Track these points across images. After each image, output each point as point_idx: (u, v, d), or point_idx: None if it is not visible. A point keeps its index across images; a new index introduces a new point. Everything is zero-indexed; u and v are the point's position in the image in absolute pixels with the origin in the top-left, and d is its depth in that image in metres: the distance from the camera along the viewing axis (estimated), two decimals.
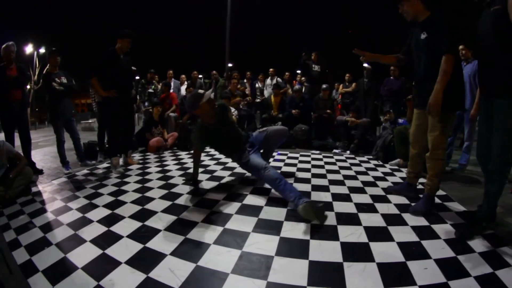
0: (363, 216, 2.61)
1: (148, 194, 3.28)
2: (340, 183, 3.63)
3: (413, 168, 3.12)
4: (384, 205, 2.89)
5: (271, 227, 2.41)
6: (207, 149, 5.74)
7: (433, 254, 1.98)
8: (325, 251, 2.04)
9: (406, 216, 2.62)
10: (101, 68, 4.31)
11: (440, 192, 3.20)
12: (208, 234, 2.30)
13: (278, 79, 8.52)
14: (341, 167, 4.47)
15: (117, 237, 2.29)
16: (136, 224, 2.51)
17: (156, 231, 2.37)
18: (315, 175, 3.95)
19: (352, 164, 4.71)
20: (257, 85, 8.85)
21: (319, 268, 1.85)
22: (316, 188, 3.40)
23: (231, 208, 2.81)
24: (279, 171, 4.01)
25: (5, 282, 1.41)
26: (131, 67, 4.67)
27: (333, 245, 2.12)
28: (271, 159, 4.87)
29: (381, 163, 4.88)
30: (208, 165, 4.55)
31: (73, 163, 4.88)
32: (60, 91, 4.64)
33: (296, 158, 5.14)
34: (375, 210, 2.76)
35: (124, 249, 2.11)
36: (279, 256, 1.97)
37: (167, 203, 2.98)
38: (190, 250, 2.08)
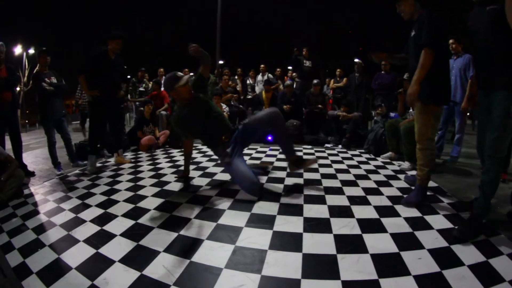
0: (355, 209, 2.62)
1: (140, 192, 3.25)
2: (332, 176, 3.64)
3: None
4: (377, 197, 2.91)
5: (264, 221, 2.40)
6: (199, 146, 5.74)
7: (426, 244, 2.00)
8: (318, 243, 2.05)
9: (399, 208, 2.63)
10: (90, 67, 4.29)
11: (432, 184, 3.26)
12: (201, 230, 2.29)
13: (269, 75, 8.50)
14: (333, 161, 4.49)
15: (110, 236, 2.27)
16: (129, 223, 2.49)
17: (149, 229, 2.35)
18: (307, 169, 3.93)
19: (344, 158, 4.72)
20: (248, 82, 8.82)
21: (313, 260, 1.85)
22: (308, 182, 3.41)
23: (224, 203, 2.80)
24: (271, 166, 4.03)
25: None
26: (122, 68, 4.63)
27: (327, 237, 2.13)
28: (263, 155, 4.89)
29: (373, 156, 4.91)
30: (200, 162, 4.53)
31: (65, 164, 4.80)
32: (50, 92, 4.56)
33: None
34: (367, 203, 2.77)
35: (117, 248, 2.09)
36: (273, 250, 1.97)
37: (160, 201, 2.96)
38: (184, 246, 2.07)
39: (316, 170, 3.91)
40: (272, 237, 2.15)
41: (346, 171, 3.89)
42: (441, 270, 1.71)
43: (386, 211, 2.57)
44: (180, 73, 3.25)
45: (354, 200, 2.83)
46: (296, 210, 2.60)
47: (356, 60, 7.36)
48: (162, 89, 7.58)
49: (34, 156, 6.26)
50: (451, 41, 4.59)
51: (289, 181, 3.46)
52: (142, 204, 2.91)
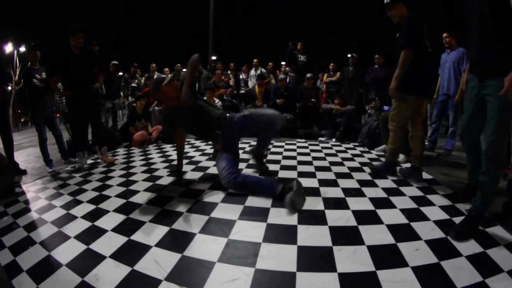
0: (350, 201, 2.59)
1: (132, 187, 3.19)
2: (326, 169, 3.60)
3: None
4: (372, 189, 2.88)
5: (258, 214, 2.36)
6: (191, 140, 5.69)
7: (423, 235, 1.98)
8: (313, 236, 2.01)
9: (395, 200, 2.62)
10: (56, 68, 4.24)
11: (427, 176, 3.31)
12: (194, 223, 2.25)
13: (262, 69, 8.45)
14: (327, 154, 4.46)
15: (101, 232, 2.22)
16: (121, 218, 2.44)
17: (140, 223, 2.30)
18: (301, 162, 3.93)
19: (338, 151, 4.70)
20: (241, 76, 8.76)
21: (308, 253, 1.82)
22: (302, 174, 3.37)
23: (217, 197, 2.75)
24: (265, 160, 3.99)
25: None
26: (93, 59, 4.43)
27: (322, 229, 2.10)
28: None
29: (367, 149, 4.89)
30: (193, 156, 4.48)
31: (56, 161, 4.72)
32: (41, 88, 4.47)
33: (282, 146, 5.09)
34: (362, 194, 2.75)
35: (108, 243, 2.05)
36: (267, 243, 1.93)
37: (152, 195, 2.91)
38: (176, 240, 2.03)
39: (310, 163, 3.89)
40: (266, 229, 2.11)
41: (340, 164, 3.86)
42: (439, 261, 1.69)
43: (382, 203, 2.54)
44: (164, 75, 3.20)
45: (349, 192, 2.80)
46: None
47: (350, 55, 7.37)
48: None
49: (26, 155, 6.16)
50: (444, 35, 4.64)
51: (283, 174, 3.43)
52: (134, 199, 2.85)
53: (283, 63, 10.32)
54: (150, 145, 5.88)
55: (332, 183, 3.07)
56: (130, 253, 1.90)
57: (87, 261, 1.84)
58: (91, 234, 2.20)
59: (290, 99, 6.82)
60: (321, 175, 3.35)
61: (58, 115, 5.02)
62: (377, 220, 2.22)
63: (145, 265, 1.75)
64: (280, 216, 2.31)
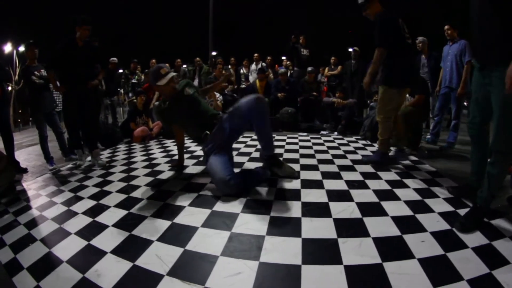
0: (354, 193, 2.57)
1: (133, 182, 3.17)
2: (329, 162, 3.57)
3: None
4: (375, 181, 2.86)
5: (261, 206, 2.33)
6: None
7: (428, 227, 1.96)
8: (318, 228, 1.99)
9: (398, 192, 2.59)
10: (58, 61, 4.03)
11: (431, 168, 3.30)
12: (196, 217, 2.21)
13: (263, 63, 8.41)
14: (329, 147, 4.43)
15: (102, 227, 2.20)
16: (122, 213, 2.41)
17: (142, 218, 2.27)
18: (303, 156, 3.90)
19: (340, 144, 4.66)
20: (241, 71, 8.72)
21: (313, 245, 1.79)
22: (305, 167, 3.34)
23: (218, 190, 2.70)
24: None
25: None
26: (94, 54, 4.29)
27: (326, 222, 2.07)
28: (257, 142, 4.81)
29: (369, 142, 4.85)
30: (194, 151, 4.44)
31: (57, 159, 4.68)
32: (40, 85, 4.43)
33: (284, 140, 5.06)
34: (366, 187, 2.72)
35: (109, 239, 2.02)
36: (270, 236, 1.90)
37: (153, 190, 2.88)
38: (178, 234, 1.99)
39: (312, 156, 3.86)
40: (270, 222, 2.08)
41: (343, 157, 3.83)
42: (445, 252, 1.67)
43: (386, 195, 2.52)
44: (164, 69, 3.08)
45: (352, 184, 2.77)
46: (293, 195, 2.53)
47: (351, 49, 7.33)
48: None
49: (27, 153, 6.12)
50: (446, 27, 4.61)
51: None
52: (135, 194, 2.82)
53: (283, 57, 10.26)
54: (151, 140, 5.85)
55: (335, 176, 3.04)
56: (132, 248, 1.87)
57: (88, 257, 1.82)
58: (92, 230, 2.17)
59: (291, 93, 6.79)
60: (324, 167, 3.32)
61: None
62: (382, 212, 2.19)
63: (146, 260, 1.72)
64: (284, 209, 2.29)
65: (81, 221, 2.34)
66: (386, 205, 2.32)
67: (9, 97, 7.88)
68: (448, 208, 2.26)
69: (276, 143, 4.62)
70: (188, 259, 1.72)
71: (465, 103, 6.64)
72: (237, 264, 1.64)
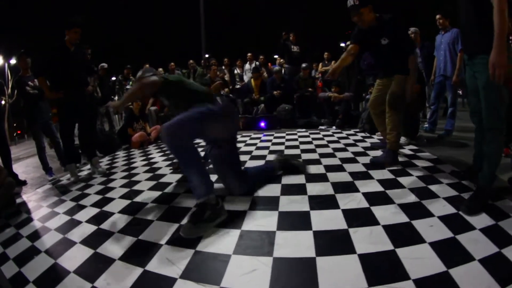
0: (359, 183, 2.58)
1: (136, 187, 3.14)
2: (330, 155, 3.58)
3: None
4: (379, 171, 2.87)
5: (268, 203, 2.33)
6: None
7: (435, 212, 1.99)
8: (327, 220, 1.99)
9: (402, 180, 2.61)
10: (48, 66, 3.77)
11: (431, 156, 3.32)
12: None
13: (257, 63, 8.42)
14: (329, 141, 4.43)
15: (108, 234, 2.16)
16: (127, 219, 2.38)
17: (148, 222, 2.24)
18: (304, 151, 3.90)
19: (339, 138, 4.67)
20: (235, 71, 8.72)
21: (324, 237, 1.79)
22: (307, 162, 3.32)
23: (223, 190, 2.68)
24: (267, 151, 3.95)
25: None
26: (85, 60, 4.21)
27: (335, 213, 2.08)
28: (258, 140, 4.82)
29: (368, 134, 4.86)
30: None
31: (56, 169, 4.64)
32: (35, 95, 4.37)
33: (283, 137, 5.07)
34: (370, 177, 2.74)
35: (116, 245, 1.99)
36: (281, 231, 1.90)
37: (157, 193, 2.86)
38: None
39: (313, 151, 3.86)
40: (279, 217, 2.07)
41: (343, 150, 3.84)
42: (454, 235, 1.70)
43: (390, 184, 2.54)
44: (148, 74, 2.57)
45: (356, 175, 2.79)
46: (299, 190, 2.54)
47: (344, 44, 7.32)
48: None
49: (25, 166, 6.06)
50: (437, 16, 4.64)
51: None
52: (139, 198, 2.80)
53: (275, 56, 10.28)
54: (150, 145, 5.83)
55: (339, 168, 3.04)
56: (140, 253, 1.84)
57: (96, 266, 1.78)
58: (98, 238, 2.13)
59: (286, 90, 6.80)
60: (326, 161, 3.33)
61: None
62: (388, 200, 2.22)
63: (157, 265, 1.70)
64: (291, 203, 2.29)
65: (85, 230, 2.31)
66: (392, 193, 2.34)
67: (4, 112, 7.78)
68: (453, 193, 2.29)
69: (276, 140, 4.69)
70: (200, 260, 1.70)
71: (459, 92, 6.69)
72: (251, 261, 1.63)
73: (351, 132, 5.18)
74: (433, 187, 2.40)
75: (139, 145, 5.70)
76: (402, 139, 4.05)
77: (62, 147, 4.66)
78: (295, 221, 2.01)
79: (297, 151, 3.92)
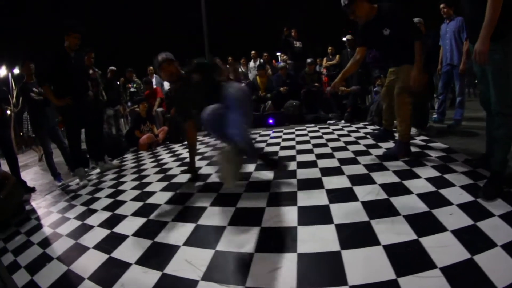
0: (375, 175, 2.56)
1: (147, 189, 3.11)
2: (343, 149, 3.54)
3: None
4: (393, 163, 2.83)
5: (286, 199, 2.29)
6: (200, 137, 5.61)
7: (453, 200, 1.98)
8: (348, 212, 1.97)
9: (417, 170, 2.58)
10: (51, 73, 3.75)
11: (443, 146, 3.29)
12: (220, 216, 2.16)
13: (261, 60, 8.40)
14: (340, 135, 4.38)
15: (122, 238, 2.11)
16: (141, 221, 2.34)
17: (163, 224, 2.20)
18: (316, 145, 3.86)
19: (349, 131, 4.62)
20: (240, 70, 8.68)
21: (347, 230, 1.76)
22: (320, 156, 3.31)
23: (238, 187, 2.65)
24: (278, 147, 3.91)
25: None
26: (84, 65, 4.23)
27: (354, 205, 2.05)
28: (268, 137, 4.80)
29: (377, 127, 4.80)
30: (205, 152, 4.40)
31: (64, 174, 4.64)
32: (40, 101, 4.36)
33: (293, 133, 5.02)
34: (385, 168, 2.70)
35: (131, 249, 1.94)
36: (303, 226, 1.87)
37: (169, 194, 2.82)
38: (205, 236, 1.94)
39: (325, 145, 3.82)
40: (299, 213, 2.04)
41: (355, 143, 3.79)
42: (475, 222, 1.70)
43: (406, 175, 2.51)
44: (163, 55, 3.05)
45: (371, 167, 2.75)
46: (315, 184, 2.51)
47: (347, 37, 7.28)
48: (155, 86, 7.46)
49: (33, 173, 6.09)
50: (442, 5, 4.60)
51: (300, 158, 3.36)
52: (152, 200, 2.76)
53: (278, 53, 10.24)
54: (158, 147, 5.80)
55: (352, 161, 3.01)
56: (158, 256, 1.80)
57: (111, 271, 1.73)
58: (112, 242, 2.09)
59: (292, 86, 6.76)
60: (339, 154, 3.29)
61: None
62: (406, 191, 2.20)
63: (176, 267, 1.65)
64: (309, 198, 2.26)
65: (98, 234, 2.27)
66: (409, 183, 2.32)
67: (9, 119, 7.82)
68: (468, 181, 2.27)
69: (285, 137, 4.66)
70: (221, 260, 1.66)
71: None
72: (275, 258, 1.59)
73: (361, 125, 5.12)
74: (448, 176, 2.38)
75: (147, 147, 5.68)
76: (413, 130, 4.00)
77: (69, 152, 4.68)
78: (315, 216, 1.98)
79: (309, 146, 3.88)
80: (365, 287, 1.33)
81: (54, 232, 2.53)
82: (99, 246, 2.07)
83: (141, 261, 1.77)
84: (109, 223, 2.44)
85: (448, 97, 5.38)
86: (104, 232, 2.28)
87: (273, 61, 9.47)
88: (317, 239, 1.72)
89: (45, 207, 3.31)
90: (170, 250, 1.83)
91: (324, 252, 1.58)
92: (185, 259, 1.71)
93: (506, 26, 1.87)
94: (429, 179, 2.35)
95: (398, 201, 2.03)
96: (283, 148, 3.93)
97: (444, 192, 2.11)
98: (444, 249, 1.50)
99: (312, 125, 5.70)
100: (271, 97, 6.79)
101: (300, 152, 3.57)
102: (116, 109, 7.07)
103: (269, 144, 4.30)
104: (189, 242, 1.89)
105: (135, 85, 7.67)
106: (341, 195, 2.23)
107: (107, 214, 2.63)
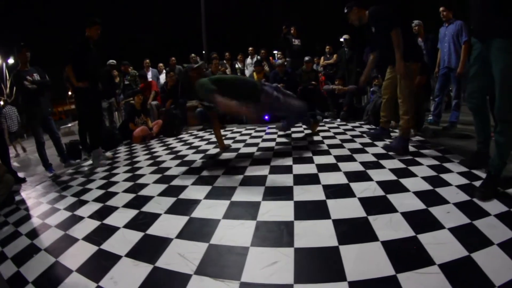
0: (371, 172, 2.55)
1: (140, 181, 3.05)
2: (339, 146, 3.53)
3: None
4: (389, 161, 2.84)
5: (282, 193, 2.27)
6: (194, 131, 5.56)
7: (450, 199, 1.99)
8: (345, 208, 1.95)
9: (413, 169, 2.59)
10: (75, 57, 4.06)
11: (439, 147, 3.29)
12: (215, 209, 2.12)
13: (258, 57, 8.34)
14: (336, 133, 4.37)
15: (112, 230, 2.05)
16: (132, 213, 2.28)
17: (155, 216, 2.15)
18: (312, 142, 3.85)
19: (346, 130, 4.62)
20: (236, 66, 8.63)
21: (345, 225, 1.75)
22: (316, 153, 3.29)
23: (233, 181, 2.64)
24: (273, 144, 3.89)
25: None
26: (99, 57, 4.39)
27: (351, 201, 2.04)
28: (263, 133, 4.80)
29: (373, 126, 4.80)
30: (199, 146, 4.36)
31: (56, 165, 4.54)
32: (33, 90, 4.26)
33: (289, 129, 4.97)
34: (381, 166, 2.71)
35: (122, 241, 1.88)
36: (299, 220, 1.84)
37: (163, 186, 2.77)
38: (198, 229, 1.89)
39: (321, 142, 3.81)
40: (295, 207, 2.02)
41: (351, 141, 3.79)
42: (471, 221, 1.71)
43: (402, 173, 2.52)
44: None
45: (367, 165, 2.75)
46: (312, 179, 2.49)
47: (344, 37, 7.26)
48: (150, 79, 7.40)
49: (24, 163, 6.01)
50: (441, 8, 4.62)
51: (296, 154, 3.33)
52: (144, 192, 2.71)
53: (275, 52, 10.18)
54: (152, 140, 5.74)
55: (349, 158, 3.00)
56: (149, 249, 1.75)
57: (101, 264, 1.68)
58: (102, 234, 2.03)
59: (290, 83, 6.71)
60: (335, 152, 3.28)
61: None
62: (403, 188, 2.20)
63: (168, 260, 1.60)
64: (306, 193, 2.24)
65: (88, 225, 2.20)
66: (405, 181, 2.32)
67: (1, 110, 7.69)
68: (464, 181, 2.29)
69: (281, 133, 4.65)
70: (215, 254, 1.62)
71: None
72: (271, 253, 1.56)
73: (356, 124, 5.12)
74: (444, 176, 2.40)
75: (141, 140, 5.62)
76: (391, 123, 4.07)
77: (62, 143, 4.65)
78: (312, 211, 1.96)
79: (304, 142, 3.87)
80: (364, 283, 1.31)
81: (43, 223, 2.46)
82: (89, 238, 2.01)
83: (132, 254, 1.72)
84: (100, 214, 2.38)
85: (444, 100, 5.40)
86: (94, 224, 2.21)
87: (270, 58, 9.41)
88: (314, 234, 1.69)
89: (35, 198, 3.23)
90: (162, 243, 1.78)
91: (321, 247, 1.56)
92: (177, 252, 1.66)
93: None
94: (425, 178, 2.37)
95: (395, 198, 2.03)
96: (278, 144, 3.91)
97: (441, 191, 2.12)
98: (442, 246, 1.50)
99: None
100: None
101: (296, 148, 3.56)
102: (110, 102, 6.98)
103: (264, 140, 4.28)
104: (182, 235, 1.84)
105: (129, 77, 7.57)
106: (338, 191, 2.21)
107: (98, 205, 2.57)
